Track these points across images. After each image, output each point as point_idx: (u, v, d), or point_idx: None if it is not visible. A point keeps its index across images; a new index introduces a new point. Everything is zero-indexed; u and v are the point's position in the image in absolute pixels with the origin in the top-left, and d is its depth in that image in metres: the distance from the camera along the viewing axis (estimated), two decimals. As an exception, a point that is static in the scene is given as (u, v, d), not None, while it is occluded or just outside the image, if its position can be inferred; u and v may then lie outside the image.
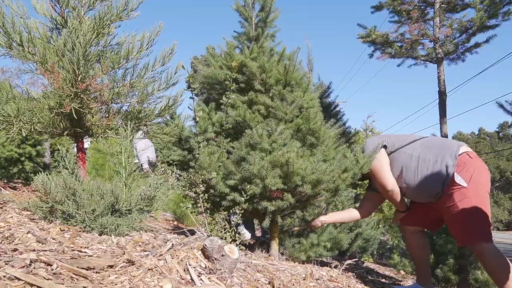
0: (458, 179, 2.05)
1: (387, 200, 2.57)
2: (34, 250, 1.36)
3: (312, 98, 2.48)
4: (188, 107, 2.51)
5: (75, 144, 2.74)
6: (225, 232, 2.01)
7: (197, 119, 2.45)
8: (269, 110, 2.43)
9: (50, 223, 1.86)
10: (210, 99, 2.86)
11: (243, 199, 2.06)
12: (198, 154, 2.36)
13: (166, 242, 1.75)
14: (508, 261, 1.96)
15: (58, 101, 2.35)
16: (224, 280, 1.43)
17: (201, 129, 2.44)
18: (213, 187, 2.30)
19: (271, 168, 2.12)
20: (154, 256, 1.50)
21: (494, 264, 1.98)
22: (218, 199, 2.35)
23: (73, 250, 1.47)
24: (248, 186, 2.10)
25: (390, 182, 2.29)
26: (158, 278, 1.30)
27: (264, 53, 2.63)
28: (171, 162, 2.61)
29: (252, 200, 2.23)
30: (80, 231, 1.79)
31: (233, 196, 2.23)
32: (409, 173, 2.23)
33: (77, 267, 1.25)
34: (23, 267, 1.18)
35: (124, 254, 1.48)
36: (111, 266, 1.34)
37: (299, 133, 2.37)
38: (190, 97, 2.48)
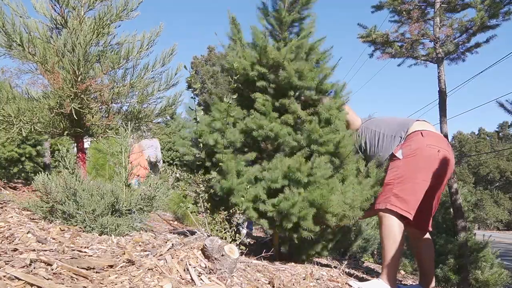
0: (398, 152, 2.19)
1: None
2: (34, 250, 1.36)
3: (342, 110, 2.29)
4: (189, 107, 2.49)
5: (75, 144, 2.75)
6: (225, 232, 2.00)
7: (198, 119, 2.42)
8: (301, 122, 2.23)
9: (50, 223, 1.86)
10: (211, 99, 2.70)
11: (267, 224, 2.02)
12: (218, 161, 2.14)
13: (166, 242, 1.75)
14: (400, 239, 2.08)
15: (58, 101, 2.35)
16: (224, 280, 1.43)
17: (230, 141, 2.19)
18: (242, 211, 2.13)
19: (309, 205, 2.00)
20: (154, 256, 1.51)
21: (387, 232, 2.10)
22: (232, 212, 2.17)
23: (73, 250, 1.47)
24: (283, 221, 2.02)
25: (358, 118, 2.59)
26: (158, 278, 1.30)
27: (301, 51, 2.34)
28: (171, 162, 2.58)
29: (279, 229, 2.14)
30: (80, 231, 1.79)
31: (262, 222, 2.10)
32: (373, 147, 2.39)
33: (77, 267, 1.25)
34: (23, 267, 1.18)
35: (124, 254, 1.48)
36: (111, 266, 1.34)
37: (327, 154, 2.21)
38: (191, 97, 2.46)
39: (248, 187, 2.08)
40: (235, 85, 2.33)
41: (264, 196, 2.07)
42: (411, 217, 2.10)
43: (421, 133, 2.18)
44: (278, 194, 2.05)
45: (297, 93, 2.32)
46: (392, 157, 2.23)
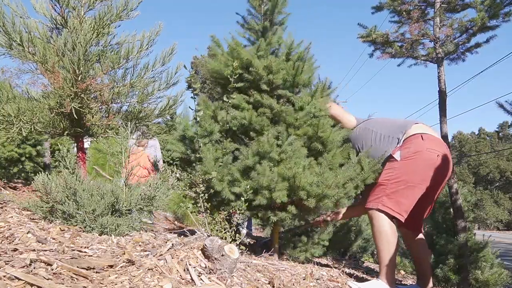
0: (396, 154, 2.18)
1: None
2: (34, 250, 1.36)
3: (322, 102, 2.37)
4: (189, 107, 2.50)
5: (75, 144, 2.75)
6: (225, 232, 2.00)
7: (198, 119, 2.43)
8: (276, 113, 2.33)
9: (50, 223, 1.86)
10: (211, 99, 2.80)
11: (245, 205, 2.05)
12: (199, 154, 2.31)
13: (166, 242, 1.75)
14: (393, 238, 2.06)
15: (58, 101, 2.36)
16: (224, 280, 1.43)
17: (206, 130, 2.32)
18: (218, 193, 2.23)
19: (281, 180, 2.07)
20: (154, 256, 1.50)
21: (378, 233, 2.09)
22: (221, 205, 2.29)
23: (73, 250, 1.47)
24: (256, 197, 2.06)
25: (351, 117, 2.57)
26: (158, 278, 1.30)
27: (271, 48, 2.50)
28: (171, 162, 2.57)
29: (256, 209, 2.20)
30: (80, 231, 1.79)
31: (239, 204, 2.16)
32: (369, 147, 2.38)
33: (77, 267, 1.25)
34: (23, 267, 1.18)
35: (124, 254, 1.48)
36: (111, 266, 1.34)
37: (306, 139, 2.30)
38: (191, 97, 2.46)
39: (222, 166, 2.19)
40: (234, 85, 2.35)
41: (238, 176, 2.15)
42: (403, 219, 2.09)
43: (422, 136, 2.16)
44: (249, 170, 2.15)
45: (272, 89, 2.40)
46: (389, 158, 2.21)
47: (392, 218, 2.10)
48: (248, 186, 2.08)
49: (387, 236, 2.06)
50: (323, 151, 2.30)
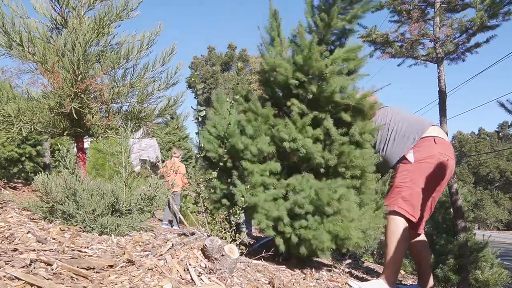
0: (409, 156, 2.19)
1: None
2: (34, 250, 1.36)
3: (375, 135, 2.19)
4: (191, 107, 2.49)
5: (75, 144, 2.75)
6: (225, 232, 2.00)
7: (200, 119, 2.42)
8: (331, 140, 2.11)
9: (50, 223, 1.86)
10: (211, 100, 2.64)
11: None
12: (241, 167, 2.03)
13: (166, 242, 1.75)
14: (404, 242, 2.10)
15: (58, 101, 2.36)
16: (224, 280, 1.43)
17: (259, 148, 2.05)
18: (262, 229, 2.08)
19: (330, 237, 1.93)
20: (154, 256, 1.50)
21: (391, 234, 2.12)
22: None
23: (73, 250, 1.47)
24: (301, 248, 1.99)
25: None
26: (158, 278, 1.30)
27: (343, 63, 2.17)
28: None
29: (295, 251, 2.11)
30: (80, 231, 1.79)
31: (278, 242, 2.05)
32: (382, 144, 2.36)
33: (77, 267, 1.25)
34: (23, 267, 1.18)
35: (124, 254, 1.48)
36: (111, 266, 1.34)
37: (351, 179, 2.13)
38: (194, 97, 2.46)
39: (272, 207, 1.99)
40: (238, 88, 2.27)
41: (286, 218, 1.98)
42: (415, 221, 2.14)
43: (434, 139, 2.19)
44: (300, 218, 1.98)
45: (332, 108, 2.16)
46: (403, 159, 2.22)
47: (407, 220, 2.13)
48: (293, 231, 1.95)
49: (400, 237, 2.10)
50: (360, 188, 2.16)
